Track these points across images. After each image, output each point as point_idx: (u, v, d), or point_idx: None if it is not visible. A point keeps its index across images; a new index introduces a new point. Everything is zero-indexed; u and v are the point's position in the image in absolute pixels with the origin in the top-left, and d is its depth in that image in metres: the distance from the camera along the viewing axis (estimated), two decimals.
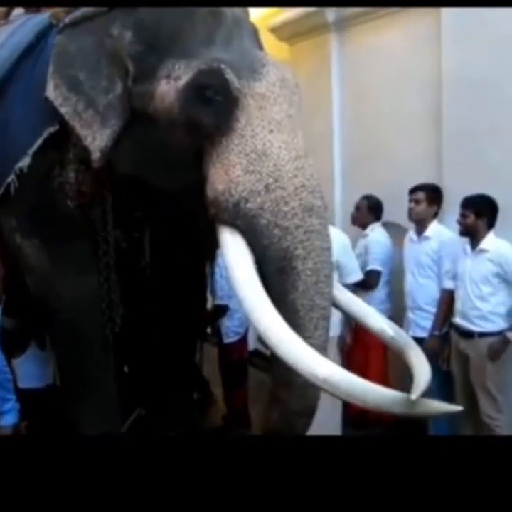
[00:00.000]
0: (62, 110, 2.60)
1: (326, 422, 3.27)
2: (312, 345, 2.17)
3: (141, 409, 3.89)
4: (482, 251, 3.73)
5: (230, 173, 2.35)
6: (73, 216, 2.87)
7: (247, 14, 2.80)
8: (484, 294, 3.70)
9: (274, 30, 5.66)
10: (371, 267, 4.60)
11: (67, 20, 2.72)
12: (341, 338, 4.12)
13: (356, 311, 2.68)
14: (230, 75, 2.36)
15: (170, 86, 2.47)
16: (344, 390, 2.03)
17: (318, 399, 2.45)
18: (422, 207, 4.14)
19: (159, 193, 2.69)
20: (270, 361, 2.46)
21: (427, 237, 4.15)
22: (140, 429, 3.71)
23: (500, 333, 3.69)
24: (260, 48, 2.82)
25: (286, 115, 2.40)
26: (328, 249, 2.40)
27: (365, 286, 4.57)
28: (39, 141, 2.72)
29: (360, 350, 4.44)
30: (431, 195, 4.15)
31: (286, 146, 2.35)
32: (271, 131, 2.36)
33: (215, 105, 2.39)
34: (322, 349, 2.27)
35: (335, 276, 3.87)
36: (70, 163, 2.80)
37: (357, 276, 4.22)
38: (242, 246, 2.36)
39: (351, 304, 2.68)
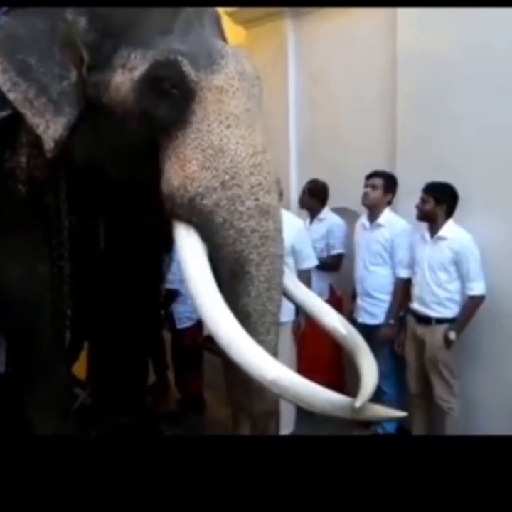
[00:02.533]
0: (11, 96, 2.47)
1: None
2: (264, 349, 2.16)
3: (87, 395, 3.86)
4: (441, 238, 3.77)
5: (185, 169, 2.30)
6: (25, 202, 2.78)
7: None
8: (441, 281, 3.75)
9: (231, 15, 5.60)
10: (338, 250, 4.68)
11: None
12: (296, 323, 4.11)
13: (311, 306, 2.67)
14: (187, 67, 2.30)
15: (125, 76, 2.40)
16: (291, 393, 2.03)
17: (278, 400, 2.45)
18: (378, 193, 4.17)
19: (113, 183, 2.63)
20: (224, 368, 2.47)
21: (379, 225, 4.18)
22: (87, 412, 3.67)
23: (456, 319, 3.75)
24: (222, 36, 2.75)
25: (244, 109, 2.34)
26: (281, 256, 2.40)
27: (329, 268, 4.66)
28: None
29: (313, 335, 4.47)
30: (388, 183, 4.18)
31: (244, 141, 2.31)
32: (228, 126, 2.30)
33: (171, 98, 2.33)
34: (273, 353, 2.27)
35: (290, 262, 3.94)
36: (22, 147, 2.70)
37: (312, 261, 4.21)
38: (197, 243, 2.33)
39: (306, 300, 2.68)
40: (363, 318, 4.23)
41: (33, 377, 3.05)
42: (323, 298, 4.43)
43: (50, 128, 2.46)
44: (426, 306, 3.83)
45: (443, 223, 3.77)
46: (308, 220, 4.79)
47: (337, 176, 4.69)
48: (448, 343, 3.71)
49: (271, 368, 2.07)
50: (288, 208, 4.73)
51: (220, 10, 5.59)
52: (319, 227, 4.72)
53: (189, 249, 2.32)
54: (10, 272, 2.90)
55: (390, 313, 4.13)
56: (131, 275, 3.22)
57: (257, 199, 2.29)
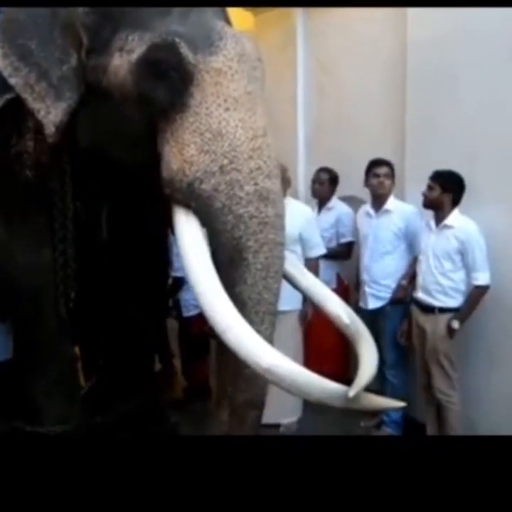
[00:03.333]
0: (12, 81, 2.44)
1: None
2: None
3: (95, 379, 3.87)
4: (446, 227, 3.73)
5: (184, 153, 2.27)
6: (31, 187, 2.77)
7: None
8: (446, 269, 3.72)
9: None
10: (348, 238, 4.68)
11: None
12: (302, 312, 4.11)
13: (315, 294, 2.65)
14: (184, 50, 2.26)
15: (123, 59, 2.37)
16: (287, 382, 2.01)
17: (266, 391, 2.43)
18: (389, 182, 4.15)
19: (117, 167, 2.61)
20: (218, 354, 2.45)
21: (387, 211, 4.16)
22: (92, 399, 3.69)
23: (459, 309, 3.72)
24: (225, 18, 2.69)
25: (244, 92, 2.30)
26: (281, 244, 2.35)
27: (339, 257, 4.67)
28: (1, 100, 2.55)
29: (320, 324, 4.46)
30: (392, 171, 4.17)
31: (243, 125, 2.26)
32: (227, 109, 2.26)
33: (168, 81, 2.29)
34: (268, 342, 2.22)
35: (298, 250, 3.93)
36: (28, 131, 2.67)
37: (320, 250, 4.20)
38: (196, 228, 2.30)
39: (311, 287, 2.65)
40: (374, 304, 4.22)
41: (38, 362, 3.06)
42: (331, 287, 4.44)
43: (51, 113, 2.44)
44: (429, 295, 3.80)
45: (449, 212, 3.74)
46: (315, 209, 4.77)
47: (345, 164, 4.68)
48: (451, 332, 3.69)
49: (267, 355, 2.05)
50: (296, 196, 4.72)
51: None
52: (328, 216, 4.71)
53: (188, 235, 2.30)
54: (15, 256, 2.90)
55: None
56: (135, 261, 3.21)
57: (256, 184, 2.26)
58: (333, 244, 4.69)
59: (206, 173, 2.25)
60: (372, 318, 4.18)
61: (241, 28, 5.56)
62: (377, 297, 4.21)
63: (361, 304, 4.28)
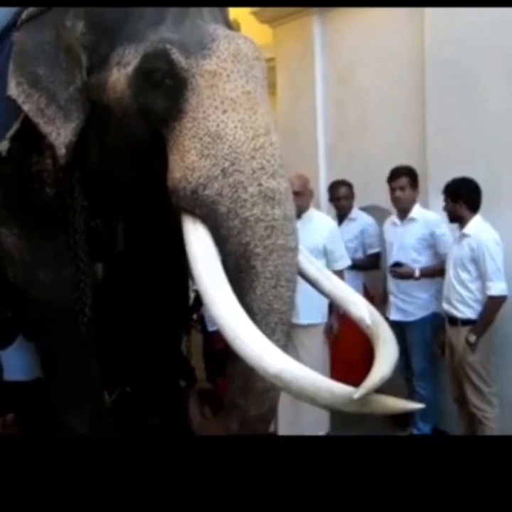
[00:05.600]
0: (26, 107, 2.50)
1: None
2: None
3: (125, 387, 3.86)
4: (464, 236, 3.67)
5: (185, 160, 2.24)
6: (51, 204, 2.79)
7: None
8: (463, 279, 3.64)
9: (256, 13, 5.60)
10: (376, 249, 4.64)
11: (23, 15, 2.61)
12: (328, 325, 4.07)
13: (339, 297, 2.56)
14: (176, 55, 2.25)
15: (120, 73, 2.37)
16: (295, 387, 1.94)
17: (277, 404, 2.38)
18: (408, 193, 4.09)
19: (130, 183, 2.61)
20: (229, 367, 2.38)
21: (412, 219, 4.11)
22: (124, 406, 3.68)
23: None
24: (224, 21, 2.65)
25: (242, 92, 2.25)
26: (292, 249, 2.25)
27: (367, 268, 4.65)
28: (16, 125, 2.61)
29: (347, 337, 4.40)
30: (413, 179, 4.10)
31: (243, 125, 2.21)
32: (224, 111, 2.22)
33: (164, 89, 2.28)
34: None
35: (322, 262, 3.88)
36: (47, 149, 2.69)
37: (345, 262, 4.15)
38: (204, 235, 2.25)
39: (334, 290, 2.57)
40: (396, 316, 4.16)
41: (63, 379, 3.05)
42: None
43: (61, 134, 2.47)
44: (452, 305, 3.73)
45: (468, 220, 3.66)
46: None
47: (366, 174, 4.66)
48: (470, 345, 3.60)
49: (275, 361, 1.97)
50: (318, 207, 4.69)
51: (246, 9, 5.64)
52: (351, 227, 4.67)
53: (196, 243, 2.25)
54: (39, 273, 2.91)
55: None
56: (155, 275, 3.19)
57: (260, 184, 2.19)
58: (360, 254, 4.64)
59: (209, 177, 2.21)
60: (400, 329, 4.13)
61: (258, 41, 5.63)
62: (402, 309, 4.15)
63: (387, 314, 4.21)
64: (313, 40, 5.21)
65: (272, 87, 5.50)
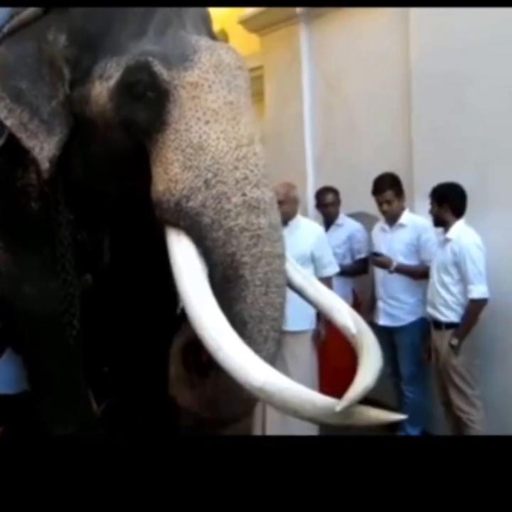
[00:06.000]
0: (8, 123, 2.46)
1: None
2: (261, 358, 2.04)
3: (113, 397, 3.84)
4: (447, 240, 3.73)
5: (168, 172, 2.23)
6: (37, 218, 2.76)
7: None
8: (446, 283, 3.70)
9: (244, 22, 5.63)
10: (364, 254, 4.64)
11: (5, 29, 2.58)
12: (316, 332, 4.05)
13: (324, 305, 2.53)
14: (157, 67, 2.24)
15: (102, 87, 2.36)
16: (279, 400, 1.92)
17: (254, 404, 2.38)
18: (395, 204, 4.13)
19: (112, 195, 2.61)
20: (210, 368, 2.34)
21: (401, 225, 4.15)
22: (113, 417, 3.66)
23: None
24: (208, 33, 2.63)
25: (224, 102, 2.24)
26: (280, 256, 2.24)
27: (356, 273, 4.67)
28: (1, 141, 2.59)
29: (335, 344, 4.40)
30: (397, 188, 4.13)
31: (225, 135, 2.20)
32: (207, 122, 2.21)
33: (146, 101, 2.27)
34: (271, 361, 2.13)
35: (310, 269, 3.90)
36: (31, 164, 2.66)
37: (333, 269, 4.14)
38: (188, 247, 2.23)
39: (319, 298, 2.54)
40: (384, 321, 4.19)
41: (51, 392, 3.04)
42: (347, 303, 4.44)
43: (44, 149, 2.45)
44: (436, 309, 3.77)
45: (451, 224, 3.72)
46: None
47: (354, 180, 4.67)
48: (453, 348, 3.64)
49: (259, 373, 1.96)
50: (305, 214, 4.72)
51: (233, 18, 5.68)
52: (338, 233, 4.69)
53: (180, 255, 2.22)
54: (24, 289, 2.88)
55: None
56: (143, 289, 3.17)
57: (244, 194, 2.17)
58: (348, 260, 4.66)
59: (192, 189, 2.19)
60: (388, 333, 4.17)
61: (246, 50, 5.67)
62: (391, 314, 4.18)
63: (376, 320, 4.25)
64: (300, 47, 5.24)
65: (260, 94, 5.57)
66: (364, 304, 4.57)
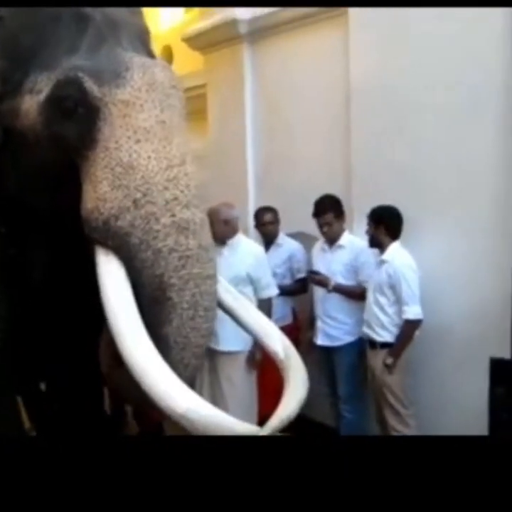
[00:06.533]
0: None
1: None
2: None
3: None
4: (382, 262, 3.80)
5: (97, 190, 2.21)
6: None
7: (133, 16, 2.62)
8: (382, 303, 3.76)
9: (188, 40, 5.64)
10: (303, 274, 4.61)
11: None
12: (251, 353, 3.98)
13: (255, 329, 2.57)
14: (88, 84, 2.23)
15: (32, 100, 2.34)
16: (201, 427, 1.95)
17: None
18: (335, 226, 4.16)
19: (43, 211, 2.55)
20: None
21: (340, 246, 4.18)
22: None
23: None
24: (146, 50, 2.64)
25: (156, 121, 2.24)
26: (209, 276, 2.24)
27: (296, 293, 4.66)
28: None
29: (269, 364, 4.36)
30: (337, 210, 4.16)
31: (157, 155, 2.21)
32: (137, 141, 2.21)
33: (76, 117, 2.26)
34: (189, 384, 2.15)
35: (248, 290, 3.87)
36: None
37: (272, 291, 4.11)
38: (116, 266, 2.21)
39: (250, 321, 2.58)
40: (323, 341, 4.21)
41: None
42: (287, 322, 4.44)
43: None
44: (371, 329, 3.83)
45: (387, 246, 3.79)
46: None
47: (294, 200, 4.70)
48: (388, 367, 3.70)
49: (181, 400, 1.98)
50: (246, 234, 4.72)
51: (179, 35, 5.68)
52: (279, 252, 4.68)
53: (107, 275, 2.20)
54: None
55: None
56: (74, 304, 3.10)
57: (173, 215, 2.17)
58: (288, 280, 4.66)
59: (121, 208, 2.18)
60: (327, 353, 4.20)
61: (189, 68, 5.67)
62: (329, 334, 4.20)
63: (315, 339, 4.27)
64: (243, 67, 5.26)
65: (202, 112, 5.57)
66: (304, 323, 4.58)
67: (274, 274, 4.33)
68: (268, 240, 4.74)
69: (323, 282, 4.13)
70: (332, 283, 4.09)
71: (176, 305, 2.15)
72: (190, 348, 2.19)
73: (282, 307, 4.48)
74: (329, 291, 4.10)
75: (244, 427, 1.94)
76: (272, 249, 4.70)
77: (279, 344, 2.47)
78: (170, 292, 2.15)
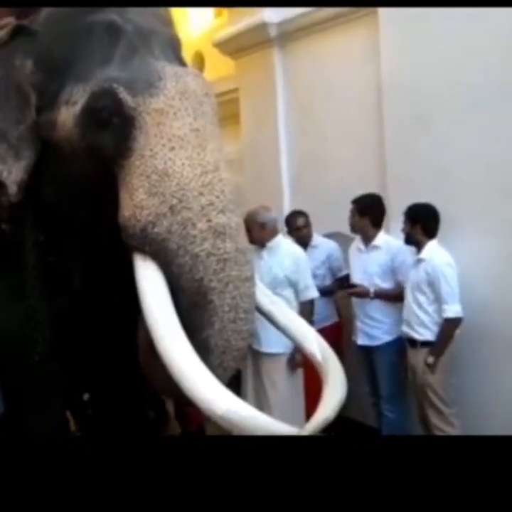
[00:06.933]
0: None
1: None
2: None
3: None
4: (420, 260, 3.77)
5: (134, 198, 2.24)
6: (7, 241, 2.76)
7: (164, 26, 2.66)
8: (421, 302, 3.74)
9: (218, 45, 5.68)
10: (344, 272, 4.62)
11: None
12: (292, 355, 3.98)
13: (292, 332, 2.57)
14: (123, 94, 2.26)
15: (69, 112, 2.38)
16: (239, 428, 1.96)
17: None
18: (355, 219, 4.18)
19: (81, 220, 2.61)
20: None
21: (375, 247, 4.16)
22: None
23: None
24: (177, 58, 2.67)
25: (190, 129, 2.27)
26: (248, 279, 2.25)
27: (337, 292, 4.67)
28: None
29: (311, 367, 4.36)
30: (362, 206, 4.15)
31: (191, 162, 2.23)
32: (172, 149, 2.23)
33: (111, 127, 2.29)
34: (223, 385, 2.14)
35: (288, 292, 3.88)
36: (1, 187, 2.65)
37: (311, 293, 4.10)
38: (154, 272, 2.23)
39: (288, 324, 2.58)
40: (363, 341, 4.20)
41: (27, 415, 3.00)
42: (331, 322, 4.46)
43: (12, 173, 2.47)
44: (411, 328, 3.80)
45: (424, 244, 3.77)
46: None
47: (330, 201, 4.70)
48: (429, 367, 3.68)
49: (221, 402, 1.98)
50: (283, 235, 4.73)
51: (209, 41, 5.73)
52: (316, 254, 4.68)
53: (146, 280, 2.23)
54: None
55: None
56: (118, 311, 3.15)
57: (209, 220, 2.19)
58: (328, 280, 4.65)
59: (157, 215, 2.21)
60: (367, 353, 4.18)
61: (221, 73, 5.72)
62: (369, 334, 4.19)
63: (355, 339, 4.26)
64: (274, 70, 5.28)
65: (235, 117, 5.61)
66: (348, 322, 4.56)
67: (315, 276, 4.33)
68: (302, 244, 4.72)
69: (363, 293, 4.12)
70: (372, 291, 4.08)
71: (217, 308, 2.17)
72: (231, 351, 2.20)
73: (325, 307, 4.49)
74: (371, 298, 4.09)
75: (283, 427, 1.94)
76: (309, 251, 4.66)
77: (315, 346, 2.47)
78: (211, 295, 2.16)
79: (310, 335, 2.54)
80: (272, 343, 3.83)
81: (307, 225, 4.70)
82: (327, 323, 4.33)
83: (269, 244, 4.02)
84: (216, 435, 2.49)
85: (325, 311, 4.46)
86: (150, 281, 2.23)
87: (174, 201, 2.20)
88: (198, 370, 2.05)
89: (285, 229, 4.72)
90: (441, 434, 3.68)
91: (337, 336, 4.44)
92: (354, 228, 4.19)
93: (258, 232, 3.87)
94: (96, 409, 3.65)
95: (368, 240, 4.11)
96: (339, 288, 4.65)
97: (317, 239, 4.75)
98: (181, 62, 2.69)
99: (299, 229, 4.69)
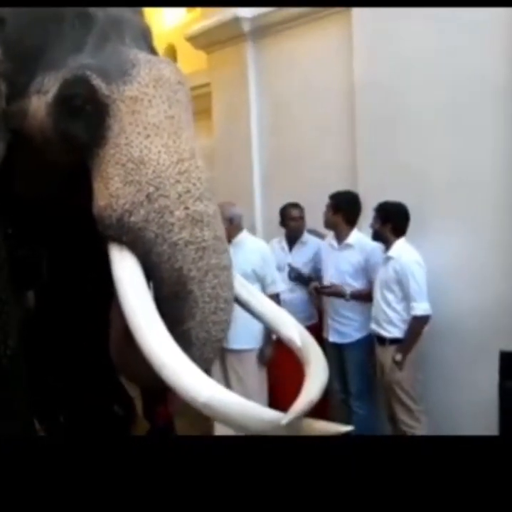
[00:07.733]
0: None
1: None
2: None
3: (57, 415, 3.75)
4: (388, 258, 3.80)
5: (109, 187, 2.20)
6: None
7: (135, 14, 2.61)
8: (389, 300, 3.77)
9: (191, 39, 5.64)
10: None
11: None
12: (261, 351, 4.00)
13: (270, 319, 2.53)
14: (96, 81, 2.22)
15: (40, 101, 2.33)
16: (224, 415, 1.94)
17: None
18: (328, 214, 4.19)
19: (53, 211, 2.55)
20: None
21: (348, 245, 4.17)
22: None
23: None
24: (149, 48, 2.62)
25: (165, 116, 2.24)
26: (226, 267, 2.21)
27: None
28: None
29: (280, 362, 4.25)
30: (336, 203, 4.16)
31: (167, 149, 2.20)
32: (147, 136, 2.20)
33: (84, 116, 2.25)
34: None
35: (256, 287, 3.88)
36: None
37: (278, 287, 4.12)
38: (131, 261, 2.20)
39: (266, 313, 2.54)
40: (334, 338, 4.22)
41: None
42: (313, 322, 4.44)
43: None
44: (380, 326, 3.84)
45: (392, 242, 3.79)
46: (284, 245, 4.69)
47: (301, 199, 4.68)
48: (397, 364, 3.71)
49: (203, 389, 1.96)
50: (253, 232, 4.73)
51: (182, 34, 5.68)
52: (304, 251, 4.65)
53: (123, 271, 2.19)
54: None
55: None
56: (88, 304, 3.11)
57: (186, 208, 2.16)
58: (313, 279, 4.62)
59: (134, 204, 2.17)
60: (337, 350, 4.20)
61: (193, 67, 5.68)
62: (340, 331, 4.21)
63: (326, 336, 4.27)
64: (247, 66, 5.26)
65: (207, 112, 5.57)
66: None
67: (300, 274, 4.37)
68: (294, 237, 4.69)
69: (339, 293, 4.12)
70: (348, 292, 4.08)
71: (198, 298, 2.14)
72: (211, 342, 2.18)
73: (308, 306, 4.49)
74: (347, 300, 4.10)
75: (270, 413, 1.92)
76: (297, 247, 4.66)
77: (294, 331, 2.43)
78: (190, 285, 2.14)
79: (288, 321, 2.50)
80: (239, 340, 3.83)
81: (301, 217, 4.65)
82: (311, 323, 4.33)
83: (235, 240, 4.01)
84: (185, 435, 2.47)
85: (308, 310, 4.47)
86: (127, 270, 2.19)
87: (151, 189, 2.17)
88: (178, 358, 2.03)
89: (256, 225, 4.71)
90: (408, 430, 3.72)
91: (318, 336, 4.43)
92: (327, 224, 4.21)
93: (225, 227, 3.86)
94: (63, 409, 3.61)
95: (340, 237, 4.12)
96: (315, 290, 4.54)
97: (306, 236, 4.69)
98: (153, 52, 2.66)
99: (294, 219, 4.63)
